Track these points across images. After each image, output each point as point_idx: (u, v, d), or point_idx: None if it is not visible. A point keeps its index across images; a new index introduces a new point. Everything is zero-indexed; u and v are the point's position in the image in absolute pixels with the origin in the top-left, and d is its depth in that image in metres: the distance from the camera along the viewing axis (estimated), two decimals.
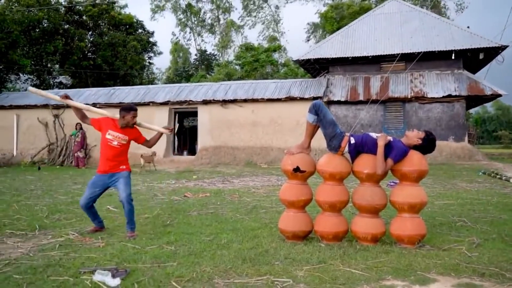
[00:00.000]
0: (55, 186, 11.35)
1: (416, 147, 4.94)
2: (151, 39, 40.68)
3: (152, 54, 42.03)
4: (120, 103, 21.36)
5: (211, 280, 3.78)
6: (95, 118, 5.74)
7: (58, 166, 19.71)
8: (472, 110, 36.93)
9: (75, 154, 19.35)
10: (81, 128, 19.37)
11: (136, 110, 5.69)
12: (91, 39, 36.00)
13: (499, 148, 63.76)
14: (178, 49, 52.91)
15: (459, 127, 18.59)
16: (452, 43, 19.00)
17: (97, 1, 34.61)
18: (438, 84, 18.88)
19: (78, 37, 33.30)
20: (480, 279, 3.82)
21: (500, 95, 18.55)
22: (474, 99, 19.67)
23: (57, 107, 21.60)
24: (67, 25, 33.97)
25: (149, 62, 42.46)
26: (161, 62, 58.47)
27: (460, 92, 18.22)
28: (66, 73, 35.40)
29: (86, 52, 34.90)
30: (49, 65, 34.41)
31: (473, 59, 19.82)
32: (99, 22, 35.69)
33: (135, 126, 5.79)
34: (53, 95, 6.19)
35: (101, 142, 5.62)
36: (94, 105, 21.55)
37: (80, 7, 34.25)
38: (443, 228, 5.87)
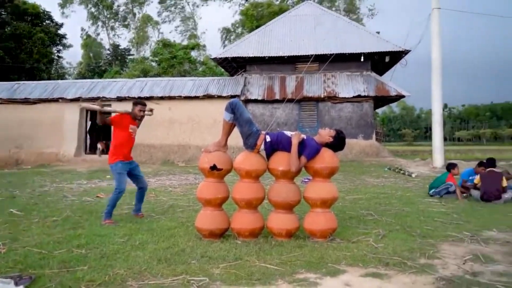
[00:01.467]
0: None
1: (328, 145, 5.13)
2: (60, 32, 38.55)
3: (61, 47, 39.86)
4: (25, 98, 20.04)
5: (125, 282, 3.65)
6: (115, 115, 6.44)
7: None
8: (379, 110, 39.14)
9: None
10: None
11: (142, 104, 6.55)
12: None
13: (403, 145, 68.33)
14: (89, 43, 50.64)
15: (368, 126, 19.64)
16: (362, 46, 20.02)
17: None
18: (349, 84, 19.81)
19: None
20: (385, 268, 4.05)
21: (403, 96, 19.90)
22: (381, 100, 20.91)
23: None
24: None
25: (58, 56, 40.24)
26: (72, 57, 55.79)
27: (369, 93, 19.25)
28: None
29: None
30: None
31: (380, 61, 21.05)
32: (0, 11, 33.08)
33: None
34: (94, 106, 6.39)
35: (120, 135, 6.34)
36: None
37: None
38: (353, 221, 6.16)
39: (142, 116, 6.56)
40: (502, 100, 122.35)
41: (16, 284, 3.50)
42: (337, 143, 5.16)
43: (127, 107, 16.92)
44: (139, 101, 6.67)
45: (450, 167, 9.15)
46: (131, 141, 6.45)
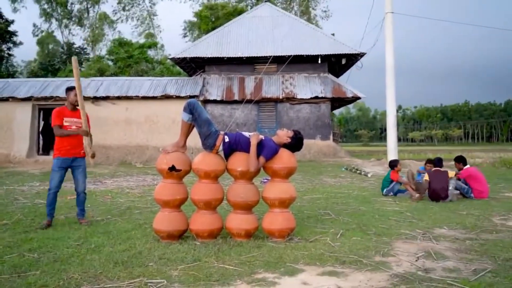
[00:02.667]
0: None
1: (286, 146, 5.18)
2: (10, 28, 37.07)
3: (11, 45, 38.33)
4: None
5: (79, 287, 3.55)
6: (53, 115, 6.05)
7: None
8: (336, 111, 39.92)
9: None
10: None
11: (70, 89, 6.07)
12: None
13: (359, 146, 69.89)
14: (43, 40, 48.96)
15: (325, 126, 19.95)
16: (319, 48, 20.32)
17: None
18: (307, 86, 20.06)
19: None
20: (341, 266, 4.12)
21: (359, 98, 20.33)
22: (338, 101, 21.29)
23: None
24: None
25: (8, 54, 38.67)
26: (24, 55, 53.63)
27: (326, 94, 19.56)
28: None
29: None
30: None
31: (337, 64, 21.44)
32: None
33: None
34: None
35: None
36: None
37: None
38: (311, 220, 6.23)
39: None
40: (452, 102, 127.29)
41: None
42: (295, 144, 5.21)
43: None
44: (71, 87, 6.09)
45: (392, 163, 9.42)
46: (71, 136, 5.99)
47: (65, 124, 5.94)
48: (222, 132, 5.15)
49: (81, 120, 6.02)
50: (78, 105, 6.00)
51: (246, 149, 5.04)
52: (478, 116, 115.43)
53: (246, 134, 5.17)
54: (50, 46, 49.24)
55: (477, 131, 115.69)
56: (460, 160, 9.11)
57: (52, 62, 45.19)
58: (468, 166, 9.05)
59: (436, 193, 8.20)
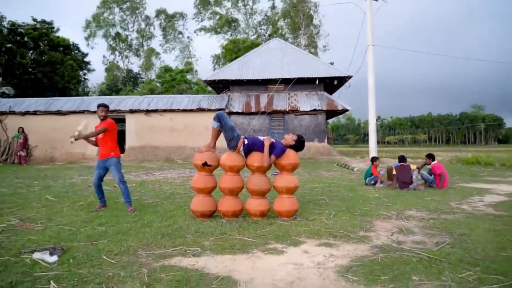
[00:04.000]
0: None
1: (291, 147, 5.17)
2: (85, 59, 37.71)
3: (86, 71, 38.97)
4: (58, 111, 19.53)
5: (136, 252, 3.60)
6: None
7: (1, 164, 17.39)
8: (330, 120, 39.56)
9: (18, 153, 17.24)
10: (23, 132, 17.45)
11: (102, 106, 5.61)
12: (32, 57, 32.33)
13: (348, 147, 69.20)
14: (109, 68, 49.66)
15: (321, 132, 19.82)
16: (316, 72, 20.20)
17: (36, 26, 31.24)
18: (307, 101, 19.96)
19: (20, 55, 29.72)
20: (334, 239, 4.10)
21: (348, 110, 20.14)
22: (331, 113, 21.12)
23: (0, 113, 19.16)
24: (10, 44, 30.14)
25: (84, 78, 39.32)
26: (95, 78, 54.41)
27: (322, 107, 19.43)
28: (9, 85, 31.45)
29: (27, 68, 31.24)
30: None
31: (330, 84, 21.28)
32: (39, 43, 32.21)
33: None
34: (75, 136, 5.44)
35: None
36: (34, 112, 19.48)
37: (22, 30, 30.60)
38: (310, 204, 6.21)
39: (104, 117, 5.60)
40: (419, 113, 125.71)
41: (51, 254, 3.41)
42: (299, 145, 5.20)
43: (139, 117, 16.70)
44: (100, 103, 5.63)
45: (373, 160, 9.28)
46: (100, 142, 5.65)
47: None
48: (242, 136, 5.16)
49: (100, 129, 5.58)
50: (101, 119, 5.60)
51: (261, 149, 5.05)
52: (439, 124, 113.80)
53: (261, 137, 5.17)
54: (115, 73, 49.90)
55: (438, 135, 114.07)
56: (430, 156, 8.88)
57: (116, 84, 45.75)
58: (435, 161, 8.86)
59: (403, 183, 8.10)
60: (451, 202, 6.46)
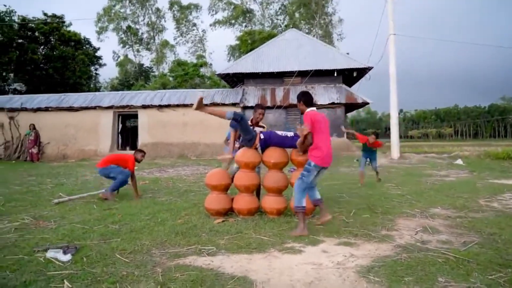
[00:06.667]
0: (11, 178, 10.29)
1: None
2: (97, 54, 38.26)
3: (98, 66, 39.54)
4: (70, 107, 19.91)
5: (149, 251, 3.65)
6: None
7: (13, 161, 17.89)
8: (349, 114, 39.14)
9: (30, 150, 17.69)
10: (34, 128, 17.86)
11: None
12: (43, 52, 32.98)
13: None
14: (121, 62, 50.33)
15: (340, 127, 19.64)
16: (335, 64, 19.99)
17: (47, 20, 31.84)
18: (325, 94, 19.79)
19: (31, 50, 30.36)
20: (354, 238, 4.07)
21: (368, 103, 19.89)
22: (350, 106, 20.90)
23: (12, 110, 19.69)
24: (21, 40, 30.83)
25: (95, 73, 39.87)
26: (107, 73, 55.25)
27: (341, 101, 19.24)
28: (21, 81, 32.21)
29: (39, 63, 31.90)
30: (4, 74, 31.02)
31: (349, 76, 21.03)
32: (50, 38, 32.80)
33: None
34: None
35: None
36: (46, 108, 19.93)
37: (33, 25, 31.24)
38: (329, 202, 6.16)
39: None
40: (444, 105, 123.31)
41: (64, 252, 3.49)
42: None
43: (151, 113, 16.87)
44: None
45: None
46: None
47: None
48: (258, 131, 5.16)
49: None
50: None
51: (277, 143, 5.04)
52: (466, 117, 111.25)
53: (279, 132, 5.14)
54: (127, 67, 50.47)
55: (465, 129, 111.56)
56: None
57: (128, 79, 46.30)
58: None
59: None
60: (479, 200, 6.32)
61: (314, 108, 4.57)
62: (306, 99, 4.55)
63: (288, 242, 3.93)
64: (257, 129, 5.32)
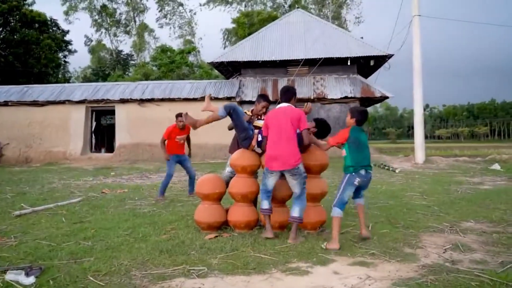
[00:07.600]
0: None
1: (317, 134, 5.16)
2: (65, 38, 38.29)
3: (67, 53, 39.59)
4: (34, 101, 19.92)
5: (129, 272, 3.64)
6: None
7: None
8: None
9: None
10: None
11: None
12: (1, 36, 32.92)
13: (387, 143, 68.59)
14: (95, 49, 50.35)
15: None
16: (348, 51, 20.04)
17: None
18: (337, 86, 19.84)
19: None
20: (371, 257, 4.06)
21: (387, 97, 19.94)
22: (367, 100, 20.94)
23: None
24: None
25: (64, 61, 39.94)
26: (77, 61, 55.27)
27: (355, 94, 19.29)
28: None
29: None
30: None
31: (365, 65, 21.08)
32: (9, 18, 32.74)
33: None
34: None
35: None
36: (5, 103, 19.91)
37: None
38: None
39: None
40: (478, 100, 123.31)
41: (27, 274, 3.48)
42: (321, 129, 5.19)
43: (131, 108, 16.96)
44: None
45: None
46: None
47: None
48: (256, 131, 5.16)
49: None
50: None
51: None
52: (504, 114, 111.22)
53: None
54: (101, 54, 50.52)
55: (503, 128, 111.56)
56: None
57: (103, 68, 46.36)
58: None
59: None
60: None
61: (285, 104, 5.11)
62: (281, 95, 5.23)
63: (293, 261, 3.93)
64: (259, 122, 5.32)
